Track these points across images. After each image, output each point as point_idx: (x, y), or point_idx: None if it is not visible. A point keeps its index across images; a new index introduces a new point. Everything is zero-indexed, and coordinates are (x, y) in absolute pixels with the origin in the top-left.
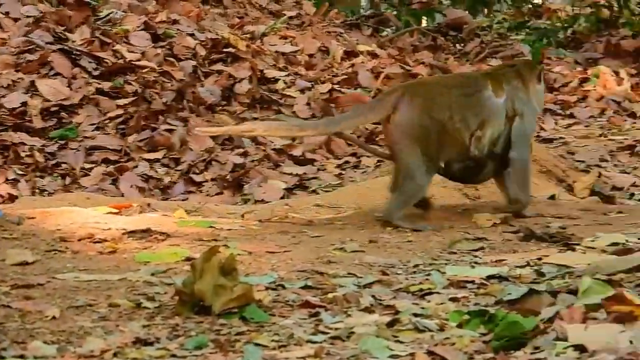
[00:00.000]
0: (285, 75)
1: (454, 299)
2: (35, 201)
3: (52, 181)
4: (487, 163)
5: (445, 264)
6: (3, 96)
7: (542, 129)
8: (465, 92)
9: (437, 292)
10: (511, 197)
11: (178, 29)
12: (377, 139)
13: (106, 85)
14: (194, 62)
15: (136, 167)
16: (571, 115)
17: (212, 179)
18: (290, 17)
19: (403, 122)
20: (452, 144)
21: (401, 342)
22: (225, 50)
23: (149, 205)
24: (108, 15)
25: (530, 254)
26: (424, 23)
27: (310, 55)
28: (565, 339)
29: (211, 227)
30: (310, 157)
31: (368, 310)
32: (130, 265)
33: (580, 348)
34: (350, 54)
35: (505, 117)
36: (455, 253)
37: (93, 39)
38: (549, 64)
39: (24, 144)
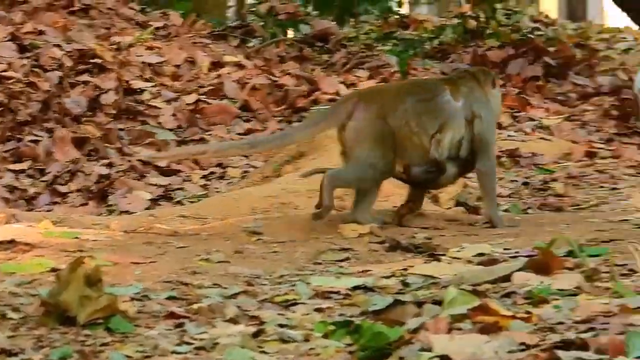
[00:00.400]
0: (152, 86)
1: (319, 310)
2: None
3: None
4: (446, 167)
5: (311, 274)
6: None
7: None
8: (422, 97)
9: (303, 303)
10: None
11: (45, 40)
12: None
13: None
14: (60, 73)
15: (1, 178)
16: None
17: (77, 190)
18: (157, 28)
19: (359, 128)
20: (411, 148)
21: (266, 353)
22: (91, 61)
23: (14, 216)
24: None
25: (396, 264)
26: (290, 34)
27: (177, 66)
28: (430, 350)
29: (76, 238)
30: (176, 167)
31: (233, 321)
32: None
33: (446, 358)
34: (216, 65)
35: (464, 119)
36: (320, 264)
37: None
38: (415, 75)
39: None
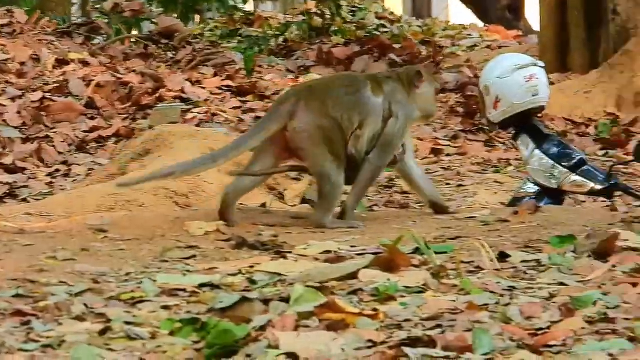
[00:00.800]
0: None
1: (166, 307)
2: None
3: None
4: (360, 164)
5: (157, 272)
6: None
7: None
8: (348, 91)
9: (149, 300)
10: (430, 200)
11: None
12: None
13: None
14: None
15: None
16: None
17: None
18: (2, 25)
19: (304, 127)
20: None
21: (113, 351)
22: None
23: None
24: None
25: (243, 262)
26: (135, 31)
27: (22, 64)
28: (277, 347)
29: None
30: (21, 165)
31: (80, 318)
32: None
33: (293, 356)
34: (61, 62)
35: (382, 117)
36: (167, 261)
37: None
38: (260, 72)
39: None
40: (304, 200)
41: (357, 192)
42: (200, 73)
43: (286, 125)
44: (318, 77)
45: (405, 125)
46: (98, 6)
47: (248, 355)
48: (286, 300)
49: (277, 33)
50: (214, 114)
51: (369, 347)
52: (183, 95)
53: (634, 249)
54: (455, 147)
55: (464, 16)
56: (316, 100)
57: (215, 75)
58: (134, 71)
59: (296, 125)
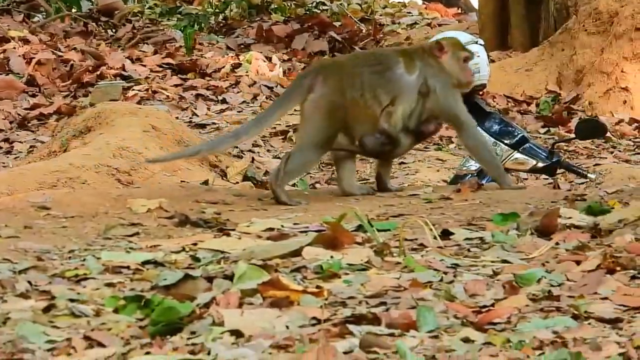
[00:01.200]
0: None
1: (109, 284)
2: None
3: None
4: (401, 139)
5: (101, 249)
6: None
7: (194, 114)
8: (377, 69)
9: (93, 278)
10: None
11: None
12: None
13: None
14: None
15: None
16: (223, 101)
17: None
18: None
19: (317, 99)
20: (365, 120)
21: (58, 328)
22: None
23: None
24: None
25: (186, 239)
26: (74, 9)
27: None
28: (221, 324)
29: None
30: None
31: (24, 295)
32: None
33: (237, 333)
34: (1, 40)
35: (418, 93)
36: (110, 239)
37: None
38: (200, 50)
39: None
40: (246, 177)
41: (494, 170)
42: (140, 51)
43: (306, 99)
44: (350, 54)
45: (450, 94)
46: None
47: (192, 332)
48: (230, 277)
49: (217, 11)
50: (154, 92)
51: (313, 325)
52: (124, 73)
53: (577, 227)
54: None
55: None
56: (335, 76)
57: (155, 53)
58: (74, 49)
59: (310, 97)
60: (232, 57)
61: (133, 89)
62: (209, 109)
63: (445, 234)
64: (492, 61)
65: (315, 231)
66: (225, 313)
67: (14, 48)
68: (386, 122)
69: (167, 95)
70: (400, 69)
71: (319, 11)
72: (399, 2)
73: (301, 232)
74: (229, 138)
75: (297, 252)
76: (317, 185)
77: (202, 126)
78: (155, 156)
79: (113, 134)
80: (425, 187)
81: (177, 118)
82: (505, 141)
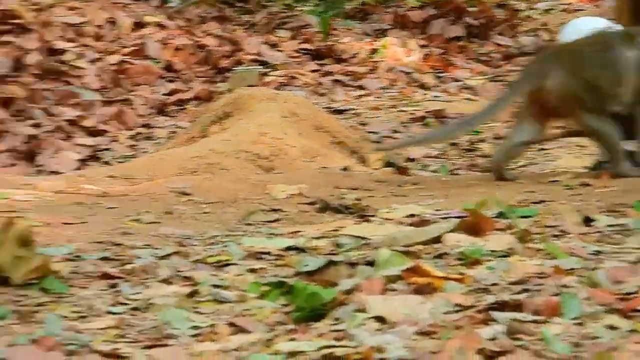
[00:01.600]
0: (74, 47)
1: (252, 270)
2: None
3: None
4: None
5: (242, 235)
6: None
7: (332, 100)
8: (597, 50)
9: (235, 264)
10: None
11: None
12: None
13: None
14: None
15: None
16: (361, 87)
17: (6, 150)
18: None
19: (558, 87)
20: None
21: (201, 313)
22: (12, 21)
23: None
24: None
25: (326, 225)
26: None
27: (99, 27)
28: (364, 311)
29: (6, 198)
30: (103, 128)
31: (166, 281)
32: None
33: (381, 319)
34: (138, 25)
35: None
36: (251, 224)
37: None
38: (336, 35)
39: None
40: (386, 164)
41: None
42: (276, 36)
43: (540, 86)
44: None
45: None
46: None
47: (336, 319)
48: (371, 263)
49: None
50: (292, 77)
51: (457, 312)
52: (260, 59)
53: None
54: None
55: None
56: (567, 61)
57: (292, 38)
58: (210, 34)
59: (551, 84)
60: (368, 42)
61: (270, 75)
62: (346, 94)
63: (587, 221)
64: None
65: (456, 217)
66: (369, 299)
67: (151, 34)
68: (618, 103)
69: (305, 81)
70: (620, 49)
71: None
72: None
73: (442, 218)
74: (461, 125)
75: (438, 239)
76: (458, 172)
77: (341, 112)
78: (386, 145)
79: (252, 120)
80: (565, 174)
81: (315, 104)
82: None
